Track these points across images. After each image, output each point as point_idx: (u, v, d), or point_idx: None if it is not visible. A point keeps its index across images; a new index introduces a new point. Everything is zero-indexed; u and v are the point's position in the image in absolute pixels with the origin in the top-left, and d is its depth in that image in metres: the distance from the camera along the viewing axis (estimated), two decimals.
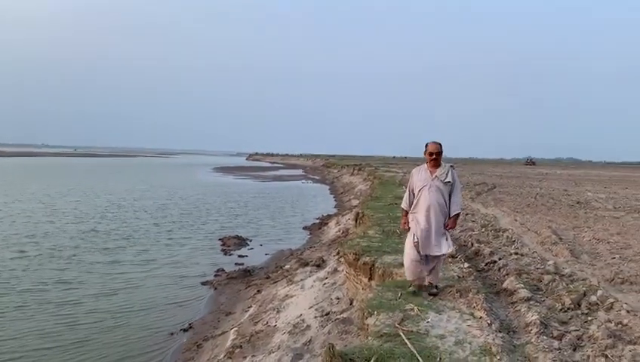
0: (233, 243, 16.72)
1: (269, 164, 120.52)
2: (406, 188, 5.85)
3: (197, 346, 8.30)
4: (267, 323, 8.37)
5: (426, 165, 5.67)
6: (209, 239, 17.70)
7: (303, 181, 55.28)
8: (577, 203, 18.57)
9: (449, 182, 5.55)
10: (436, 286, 5.68)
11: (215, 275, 12.76)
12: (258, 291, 11.06)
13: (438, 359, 3.89)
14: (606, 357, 4.33)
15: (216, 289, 11.61)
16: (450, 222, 5.61)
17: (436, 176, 5.54)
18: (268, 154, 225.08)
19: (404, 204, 5.82)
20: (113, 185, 39.39)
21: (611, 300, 5.82)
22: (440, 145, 5.62)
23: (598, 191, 25.50)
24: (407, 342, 4.11)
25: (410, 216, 5.73)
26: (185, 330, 9.18)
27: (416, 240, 5.53)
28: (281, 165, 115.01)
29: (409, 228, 5.71)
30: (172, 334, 9.02)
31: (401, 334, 4.29)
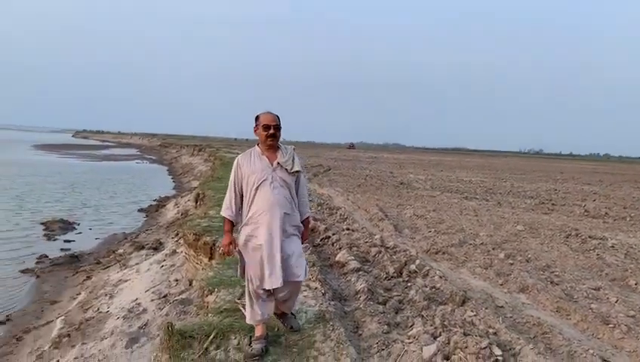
0: (58, 227, 15.22)
1: (99, 142, 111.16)
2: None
3: (17, 339, 7.50)
4: (99, 309, 7.89)
5: (257, 149, 3.79)
6: (29, 223, 15.87)
7: (138, 161, 52.24)
8: (401, 183, 20.47)
9: (297, 171, 3.80)
10: (294, 315, 4.23)
11: (37, 262, 11.55)
12: (88, 277, 10.31)
13: (276, 329, 4.07)
14: (422, 316, 4.93)
15: (38, 277, 10.53)
16: (304, 231, 3.91)
17: (279, 164, 3.71)
18: (98, 132, 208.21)
19: (226, 212, 3.78)
20: None
21: (427, 268, 6.61)
22: (278, 117, 3.78)
23: (418, 174, 28.38)
24: None
25: (242, 230, 3.73)
26: (2, 323, 8.23)
27: (259, 269, 3.63)
28: (113, 144, 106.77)
29: (236, 249, 3.77)
30: None
31: (241, 309, 4.38)
